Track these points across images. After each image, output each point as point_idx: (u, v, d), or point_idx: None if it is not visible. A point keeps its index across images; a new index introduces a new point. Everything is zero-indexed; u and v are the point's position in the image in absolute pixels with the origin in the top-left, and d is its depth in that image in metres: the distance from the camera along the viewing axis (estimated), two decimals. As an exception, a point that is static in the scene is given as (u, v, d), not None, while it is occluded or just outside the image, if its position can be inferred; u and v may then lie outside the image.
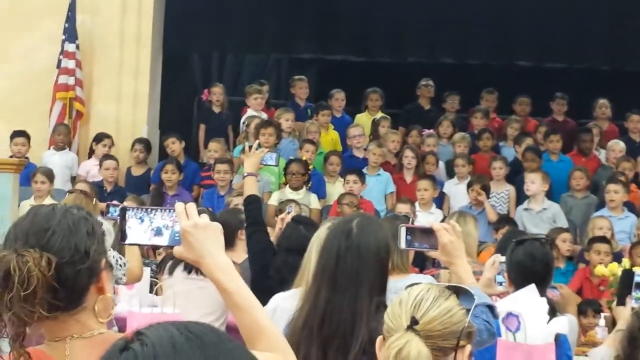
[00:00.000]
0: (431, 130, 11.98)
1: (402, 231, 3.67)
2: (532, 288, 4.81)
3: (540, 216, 10.18)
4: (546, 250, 5.24)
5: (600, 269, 7.72)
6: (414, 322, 2.57)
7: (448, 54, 13.27)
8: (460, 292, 2.71)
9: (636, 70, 13.00)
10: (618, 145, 11.49)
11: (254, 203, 5.93)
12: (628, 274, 5.32)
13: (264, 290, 3.94)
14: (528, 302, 4.76)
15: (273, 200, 10.09)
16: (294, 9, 13.05)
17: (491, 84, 12.88)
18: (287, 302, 4.16)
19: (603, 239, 8.97)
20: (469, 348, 2.64)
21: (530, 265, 5.03)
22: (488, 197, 10.29)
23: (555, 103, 12.58)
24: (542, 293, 4.90)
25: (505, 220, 9.86)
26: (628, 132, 12.00)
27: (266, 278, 5.56)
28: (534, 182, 10.20)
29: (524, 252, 5.11)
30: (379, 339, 2.65)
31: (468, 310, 2.66)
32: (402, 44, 13.31)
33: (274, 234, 6.16)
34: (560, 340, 4.84)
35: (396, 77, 13.06)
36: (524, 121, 12.43)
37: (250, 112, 11.65)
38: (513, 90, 12.78)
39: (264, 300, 2.78)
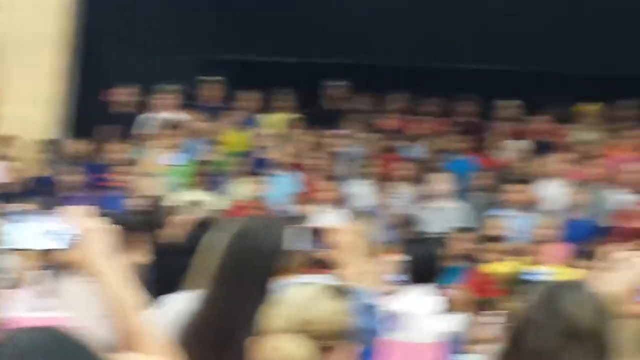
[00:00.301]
0: (340, 131, 12.11)
1: (300, 232, 3.73)
2: (425, 286, 4.94)
3: (444, 215, 10.37)
4: (440, 249, 5.40)
5: (494, 267, 7.92)
6: (295, 322, 2.59)
7: (359, 55, 13.41)
8: (345, 292, 2.75)
9: (541, 72, 13.33)
10: (520, 146, 11.77)
11: None
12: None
13: (163, 291, 3.99)
14: (420, 300, 4.90)
15: (180, 201, 10.12)
16: (207, 10, 13.08)
17: (402, 85, 13.03)
18: (182, 304, 4.22)
19: (499, 238, 9.17)
20: (352, 347, 2.68)
21: (424, 263, 5.17)
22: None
23: (463, 104, 12.79)
24: (435, 291, 5.04)
25: (409, 220, 10.02)
26: (531, 132, 12.26)
27: (167, 279, 5.60)
28: (439, 182, 10.40)
29: (418, 251, 5.25)
30: (260, 339, 2.66)
31: (353, 310, 2.70)
32: (313, 44, 13.41)
33: (177, 234, 6.21)
34: (451, 338, 4.98)
35: (307, 78, 13.14)
36: (432, 122, 12.62)
37: (160, 113, 11.66)
38: (423, 92, 12.94)
39: (160, 302, 2.81)
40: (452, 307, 5.67)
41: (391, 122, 12.41)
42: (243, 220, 3.87)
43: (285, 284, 4.15)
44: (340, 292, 2.75)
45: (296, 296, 2.68)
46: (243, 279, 3.71)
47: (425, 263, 5.07)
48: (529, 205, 10.52)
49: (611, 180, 11.03)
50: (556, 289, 2.29)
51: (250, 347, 2.74)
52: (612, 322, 2.29)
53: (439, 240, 5.87)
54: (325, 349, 2.61)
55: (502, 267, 7.96)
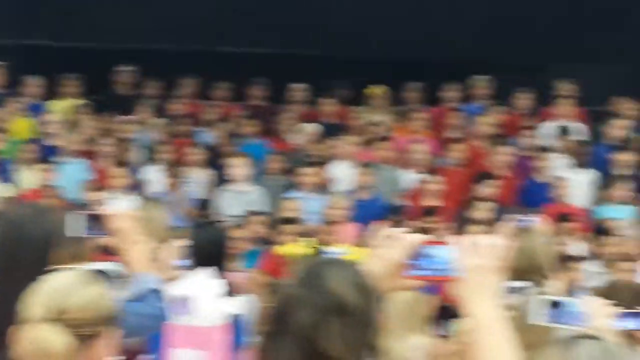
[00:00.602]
0: (130, 116, 11.92)
1: (78, 218, 3.63)
2: (208, 270, 4.92)
3: (241, 199, 10.39)
4: (224, 233, 5.39)
5: (286, 249, 8.00)
6: (52, 310, 2.51)
7: (149, 39, 13.23)
8: (111, 277, 2.70)
9: (329, 55, 13.57)
10: (310, 129, 11.92)
11: None
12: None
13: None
14: (203, 284, 4.87)
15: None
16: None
17: (191, 70, 12.94)
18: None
19: (293, 220, 9.28)
20: (114, 333, 2.63)
21: (208, 247, 5.15)
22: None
23: (253, 88, 12.83)
24: (220, 275, 5.03)
25: (202, 205, 9.97)
26: (321, 115, 12.44)
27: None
28: (235, 166, 10.39)
29: (203, 236, 5.23)
30: (15, 330, 2.58)
31: (119, 296, 2.65)
32: (102, 29, 13.14)
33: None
34: (236, 321, 4.99)
35: (96, 63, 12.86)
36: (223, 106, 12.61)
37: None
38: (213, 76, 12.91)
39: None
40: (245, 289, 5.70)
41: (182, 106, 12.31)
42: (13, 209, 3.74)
43: (53, 271, 4.04)
44: (102, 277, 2.70)
45: (53, 283, 2.59)
46: (12, 269, 3.59)
47: (209, 247, 5.05)
48: (321, 187, 10.68)
49: (399, 161, 11.33)
50: (319, 266, 2.30)
51: (11, 339, 2.64)
52: (376, 298, 2.32)
53: (223, 224, 5.88)
54: (86, 337, 2.54)
55: (296, 248, 8.06)
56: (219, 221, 8.35)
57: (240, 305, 4.99)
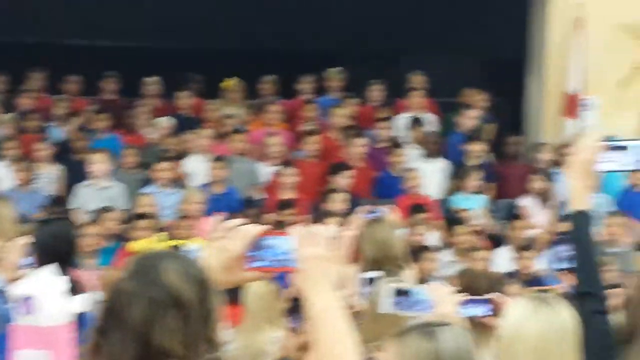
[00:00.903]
0: (-24, 112, 11.53)
1: None
2: (52, 267, 4.79)
3: (102, 194, 10.15)
4: (70, 229, 5.26)
5: (137, 244, 7.89)
6: None
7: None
8: None
9: (183, 48, 13.46)
10: (165, 123, 11.76)
11: None
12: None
13: None
14: (47, 282, 4.73)
15: None
16: None
17: (39, 64, 12.60)
18: None
19: (147, 215, 9.16)
20: None
21: (53, 244, 5.02)
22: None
23: (105, 82, 12.58)
24: (65, 272, 4.90)
25: (54, 201, 9.71)
26: (177, 109, 12.29)
27: None
28: (97, 162, 10.15)
29: (47, 232, 5.09)
30: None
31: None
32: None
33: None
34: (81, 319, 4.87)
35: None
36: (73, 100, 12.33)
37: None
38: (62, 69, 12.61)
39: None
40: (97, 287, 5.57)
41: (30, 101, 11.95)
42: None
43: None
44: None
45: None
46: None
47: (53, 244, 4.91)
48: (176, 182, 10.55)
49: (254, 154, 11.29)
50: (153, 259, 2.23)
51: None
52: (213, 292, 2.26)
53: (70, 220, 5.73)
54: None
55: (150, 243, 7.95)
56: (65, 217, 8.16)
57: (86, 302, 4.86)
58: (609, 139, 3.69)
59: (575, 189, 3.60)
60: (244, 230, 2.56)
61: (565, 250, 5.22)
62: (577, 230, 3.59)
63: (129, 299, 2.17)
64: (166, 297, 2.17)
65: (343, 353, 2.37)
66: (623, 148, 3.55)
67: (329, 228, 2.50)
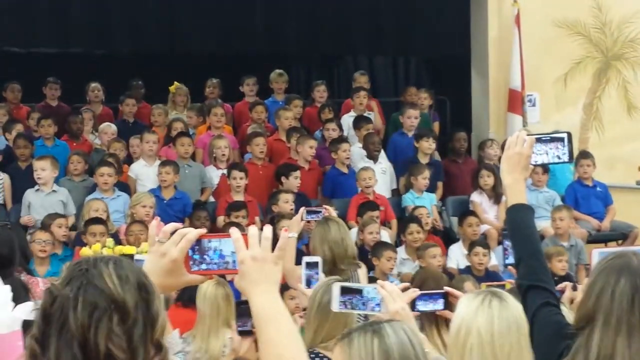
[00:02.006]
0: None
1: None
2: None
3: (48, 200, 10.03)
4: (11, 234, 5.19)
5: (85, 251, 7.83)
6: None
7: None
8: None
9: (123, 53, 13.49)
10: (110, 128, 11.68)
11: None
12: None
13: None
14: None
15: None
16: None
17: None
18: None
19: (98, 220, 9.10)
20: None
21: (-5, 251, 4.95)
22: None
23: (47, 88, 12.46)
24: (7, 278, 4.83)
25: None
26: (123, 114, 12.21)
27: None
28: (44, 170, 10.02)
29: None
30: None
31: None
32: None
33: None
34: (28, 327, 4.79)
35: None
36: (14, 107, 12.19)
37: None
38: (2, 76, 12.48)
39: None
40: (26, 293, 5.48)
41: None
42: None
43: None
44: None
45: None
46: None
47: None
48: (125, 187, 10.48)
49: (202, 157, 11.26)
50: (93, 264, 2.20)
51: None
52: (156, 295, 2.25)
53: (14, 227, 5.64)
54: None
55: (92, 249, 7.88)
56: (7, 224, 8.07)
57: (27, 310, 4.78)
58: (538, 132, 3.75)
59: (509, 184, 3.62)
60: (184, 234, 2.56)
61: (509, 245, 5.28)
62: (514, 224, 3.59)
63: (66, 304, 2.14)
64: (104, 301, 2.14)
65: (292, 356, 2.36)
66: (554, 140, 3.60)
67: (266, 229, 2.50)
